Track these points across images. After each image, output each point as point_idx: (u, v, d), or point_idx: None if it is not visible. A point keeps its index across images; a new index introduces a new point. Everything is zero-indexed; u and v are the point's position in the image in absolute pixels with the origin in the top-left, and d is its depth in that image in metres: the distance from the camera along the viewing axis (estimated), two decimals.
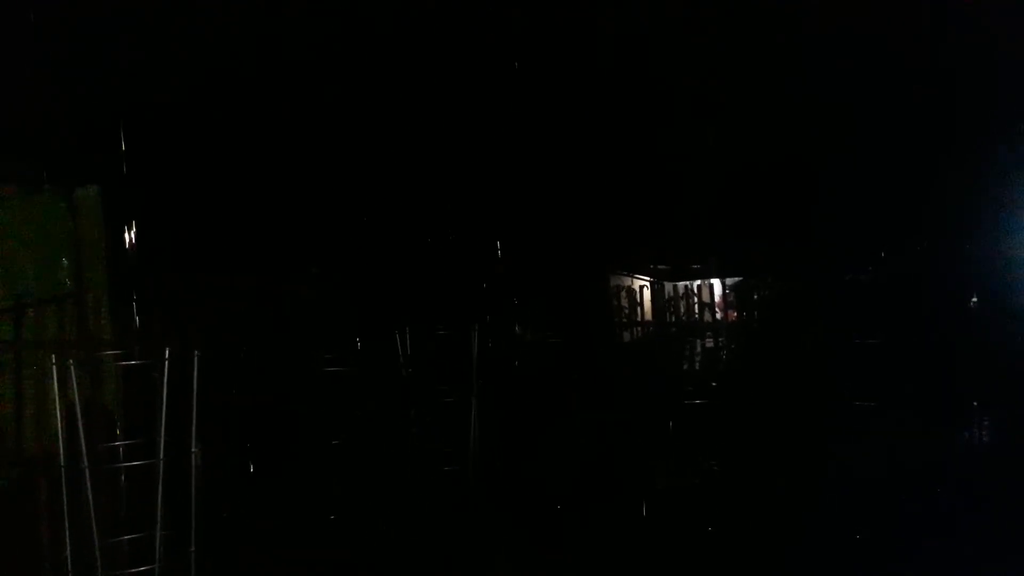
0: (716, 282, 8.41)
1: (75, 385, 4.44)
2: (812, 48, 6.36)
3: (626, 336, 8.29)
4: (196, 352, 4.68)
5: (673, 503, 6.86)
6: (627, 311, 8.30)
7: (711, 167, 7.16)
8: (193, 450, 4.69)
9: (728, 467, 7.00)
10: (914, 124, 6.53)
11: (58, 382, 4.42)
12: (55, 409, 4.44)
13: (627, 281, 8.41)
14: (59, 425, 4.42)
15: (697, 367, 8.10)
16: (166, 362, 4.57)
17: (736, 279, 8.33)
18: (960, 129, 6.57)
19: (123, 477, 4.72)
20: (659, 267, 8.58)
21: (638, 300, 8.46)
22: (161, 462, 4.55)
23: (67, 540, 4.33)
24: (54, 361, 4.43)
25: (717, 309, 8.41)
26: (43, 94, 5.39)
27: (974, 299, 7.19)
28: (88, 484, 4.38)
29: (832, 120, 6.57)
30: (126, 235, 5.63)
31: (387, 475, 5.86)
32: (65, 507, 4.34)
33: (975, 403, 7.16)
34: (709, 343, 8.23)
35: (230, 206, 5.84)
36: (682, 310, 8.36)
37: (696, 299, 8.31)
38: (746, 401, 7.30)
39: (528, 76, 6.71)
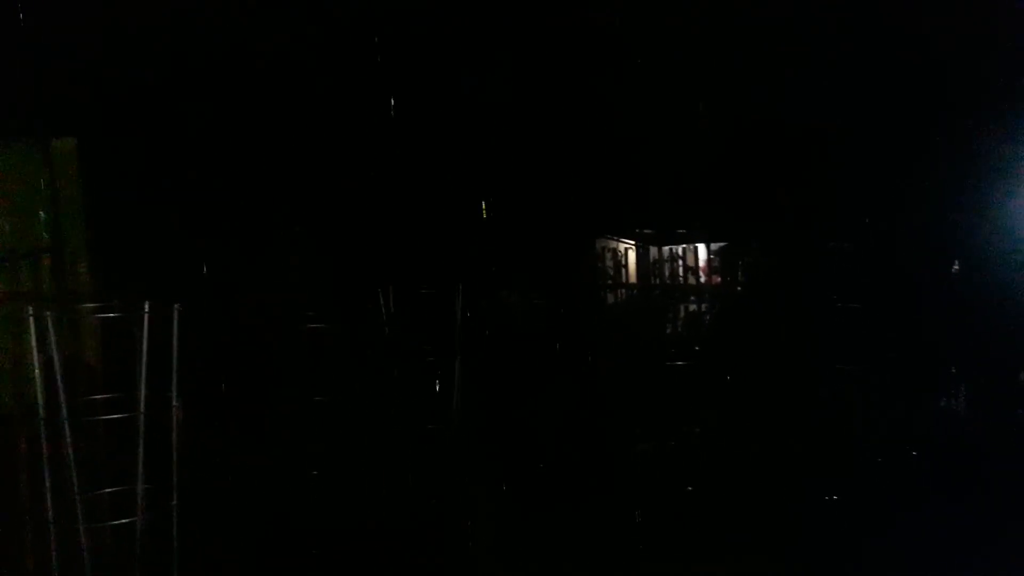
0: (701, 247, 8.41)
1: (53, 338, 4.38)
2: (800, 16, 6.33)
3: (610, 298, 8.29)
4: (176, 305, 4.62)
5: (653, 464, 6.92)
6: (611, 273, 8.29)
7: (698, 132, 7.13)
8: (174, 404, 4.65)
9: (708, 429, 7.06)
10: (902, 91, 6.52)
11: (36, 334, 4.36)
12: (33, 362, 4.38)
13: (612, 243, 8.39)
14: (37, 378, 4.37)
15: (680, 330, 8.12)
16: (146, 315, 4.52)
17: (721, 244, 8.34)
18: (950, 95, 6.57)
19: (103, 431, 4.67)
20: (644, 231, 8.55)
21: (622, 262, 8.44)
22: (142, 416, 4.52)
23: (47, 493, 4.29)
24: (31, 312, 4.37)
25: (702, 273, 8.41)
26: (16, 44, 5.26)
27: (955, 265, 7.23)
28: (68, 437, 4.34)
29: (820, 86, 6.54)
30: (104, 188, 5.53)
31: (369, 432, 5.85)
32: (45, 460, 4.31)
33: (954, 369, 7.25)
34: (693, 307, 8.24)
35: (212, 159, 5.75)
36: (667, 273, 8.35)
37: (681, 263, 8.30)
38: (728, 364, 7.33)
39: (516, 35, 6.63)
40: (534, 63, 6.75)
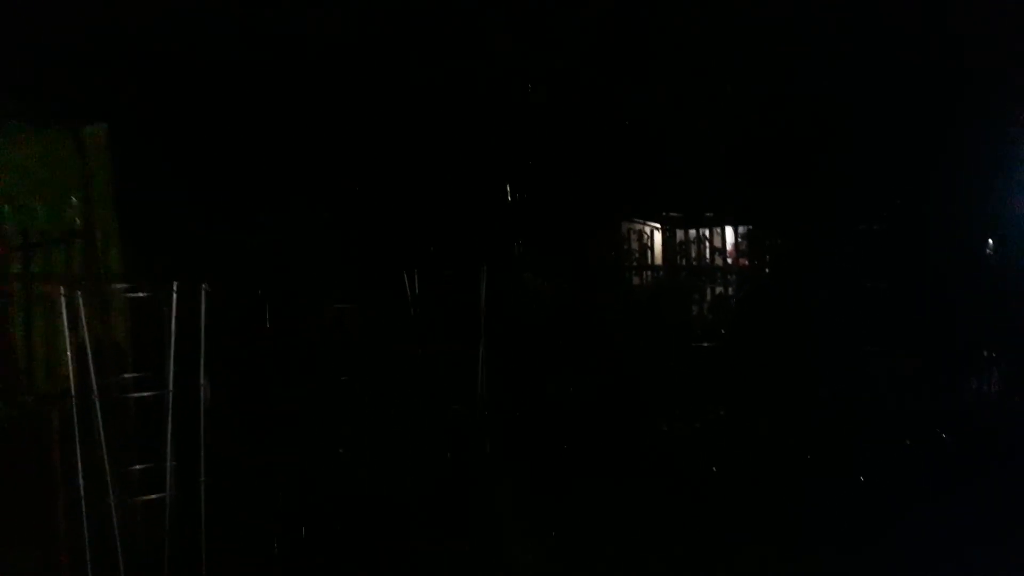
0: (728, 230, 8.36)
1: (84, 317, 4.48)
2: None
3: (636, 280, 8.27)
4: (204, 286, 4.70)
5: (677, 445, 6.91)
6: (637, 255, 8.26)
7: (726, 117, 7.08)
8: (201, 383, 4.74)
9: (734, 411, 7.03)
10: (928, 70, 6.42)
11: (67, 314, 4.46)
12: (65, 341, 4.49)
13: (638, 226, 8.36)
14: (69, 357, 4.47)
15: (706, 312, 8.08)
16: (174, 294, 4.60)
17: (748, 227, 8.28)
18: (976, 74, 6.46)
19: (134, 409, 4.77)
20: (671, 214, 8.51)
21: (648, 244, 8.41)
22: (170, 393, 4.61)
23: (79, 468, 4.40)
24: (63, 293, 4.47)
25: (728, 257, 8.37)
26: (49, 30, 5.34)
27: (990, 245, 7.12)
28: (99, 414, 4.44)
29: (847, 71, 6.47)
30: (135, 173, 5.61)
31: (395, 412, 5.90)
32: (77, 437, 4.41)
33: (984, 352, 7.15)
34: (719, 289, 8.20)
35: (240, 144, 5.81)
36: (693, 255, 8.31)
37: (708, 245, 8.26)
38: (755, 346, 7.29)
39: (543, 20, 6.61)
40: (561, 48, 6.73)
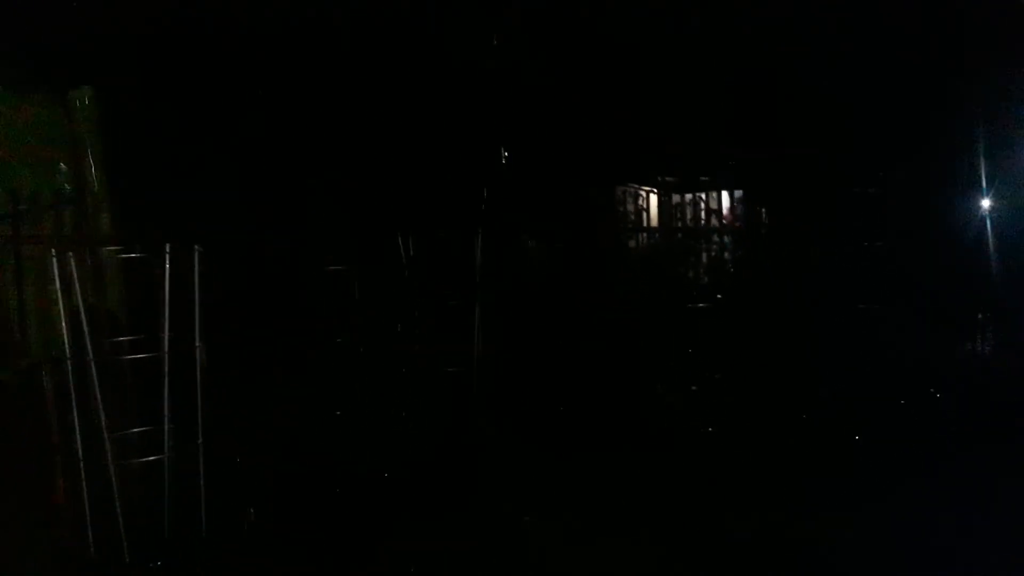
0: (724, 194, 8.34)
1: (76, 279, 4.43)
2: None
3: (631, 243, 8.24)
4: (197, 247, 4.65)
5: (675, 407, 6.91)
6: (633, 217, 8.23)
7: (719, 81, 7.03)
8: (197, 344, 4.70)
9: (731, 371, 7.03)
10: (928, 32, 6.38)
11: (59, 276, 4.41)
12: (58, 303, 4.44)
13: (633, 188, 8.32)
14: (62, 319, 4.43)
15: (703, 273, 8.08)
16: (167, 255, 4.56)
17: (743, 191, 8.26)
18: (973, 38, 6.42)
19: (130, 372, 4.73)
20: (666, 179, 8.48)
21: (644, 207, 8.38)
22: (166, 355, 4.57)
23: (76, 431, 4.37)
24: (54, 255, 4.41)
25: (724, 219, 8.35)
26: None
27: (987, 204, 7.11)
28: (95, 376, 4.40)
29: (844, 32, 6.42)
30: (123, 135, 5.53)
31: (391, 374, 5.88)
32: (73, 399, 4.38)
33: (981, 313, 7.17)
34: (715, 251, 8.19)
35: (232, 104, 5.72)
36: (688, 217, 8.29)
37: (704, 207, 8.23)
38: (751, 307, 7.29)
39: None
40: (555, 13, 6.65)
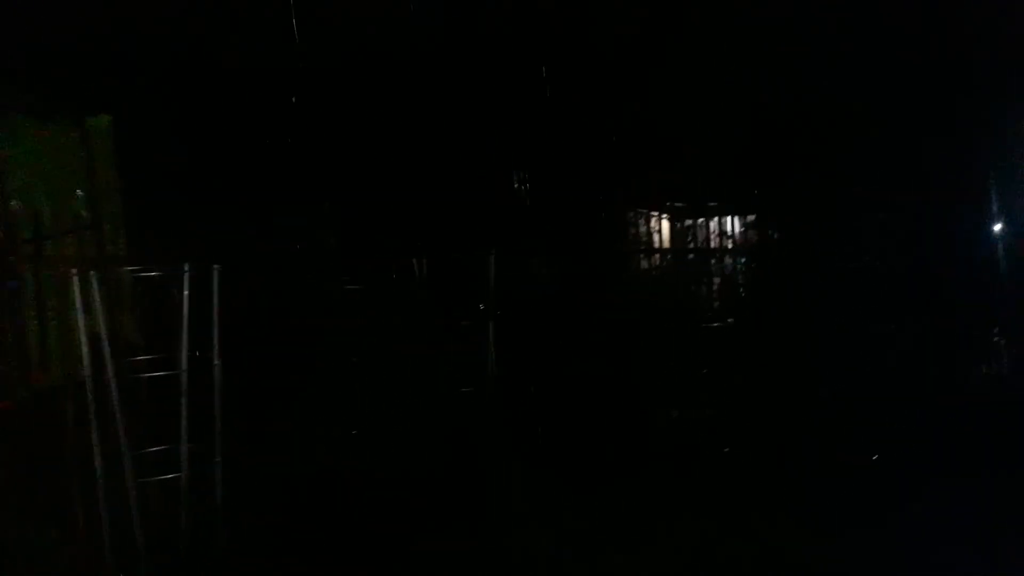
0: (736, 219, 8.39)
1: (97, 299, 4.47)
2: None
3: (644, 264, 8.26)
4: (215, 266, 4.69)
5: (688, 426, 6.89)
6: (645, 239, 8.28)
7: (730, 108, 7.11)
8: (215, 363, 4.72)
9: (743, 391, 7.01)
10: (931, 62, 6.46)
11: (80, 296, 4.45)
12: (78, 324, 4.47)
13: (644, 212, 8.38)
14: (83, 339, 4.46)
15: (714, 295, 8.09)
16: (186, 274, 4.60)
17: (753, 217, 8.31)
18: (977, 63, 6.50)
19: (148, 391, 4.76)
20: (676, 204, 8.54)
21: (655, 229, 8.43)
22: (184, 374, 4.60)
23: (95, 449, 4.38)
24: (74, 274, 4.46)
25: (735, 241, 8.39)
26: (51, 23, 5.35)
27: (997, 225, 7.12)
28: (115, 395, 4.42)
29: (850, 62, 6.51)
30: (140, 162, 5.61)
31: (405, 393, 5.88)
32: (92, 418, 4.39)
33: (995, 333, 7.16)
34: (727, 271, 8.21)
35: (247, 128, 5.81)
36: (700, 238, 8.33)
37: (716, 230, 8.29)
38: (764, 327, 7.29)
39: (553, 12, 6.65)
40: (571, 40, 6.76)
